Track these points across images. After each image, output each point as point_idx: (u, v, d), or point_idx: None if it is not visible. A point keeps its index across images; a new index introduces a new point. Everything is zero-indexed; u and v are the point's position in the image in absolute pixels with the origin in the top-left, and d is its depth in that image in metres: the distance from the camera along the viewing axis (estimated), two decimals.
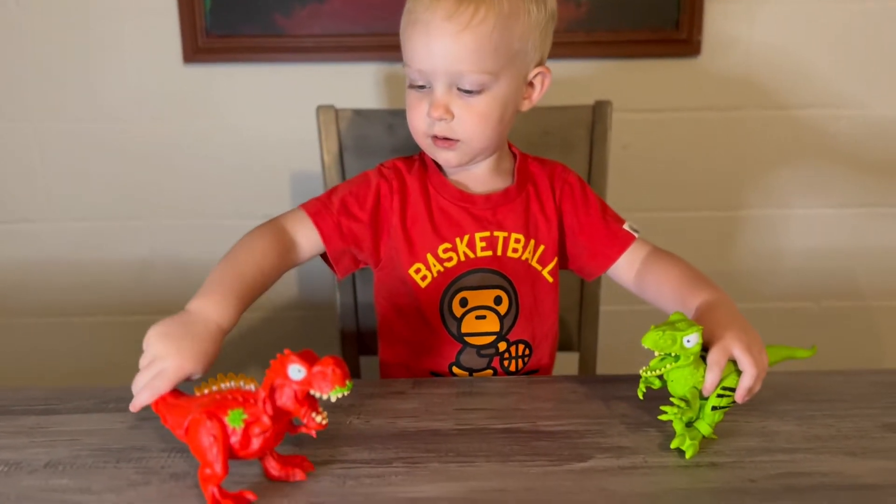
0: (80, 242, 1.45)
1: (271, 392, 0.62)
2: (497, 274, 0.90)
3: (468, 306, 0.90)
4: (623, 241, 0.91)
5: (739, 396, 0.71)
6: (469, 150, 0.86)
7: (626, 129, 1.40)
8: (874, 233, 1.49)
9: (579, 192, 0.93)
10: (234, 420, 0.62)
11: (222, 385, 0.64)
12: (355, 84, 1.35)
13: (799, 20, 1.35)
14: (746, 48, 1.37)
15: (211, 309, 0.74)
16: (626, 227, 0.91)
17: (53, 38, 1.34)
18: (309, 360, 0.60)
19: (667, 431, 0.74)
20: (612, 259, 0.91)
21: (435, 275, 0.89)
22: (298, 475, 0.67)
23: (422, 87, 0.84)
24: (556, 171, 0.95)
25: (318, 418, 0.62)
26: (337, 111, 1.15)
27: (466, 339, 0.91)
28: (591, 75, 1.38)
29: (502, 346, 0.92)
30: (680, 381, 0.71)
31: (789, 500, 0.65)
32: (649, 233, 1.43)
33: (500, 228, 0.89)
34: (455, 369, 0.92)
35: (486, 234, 0.89)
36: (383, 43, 1.32)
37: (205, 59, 1.37)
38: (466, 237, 0.89)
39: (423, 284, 0.89)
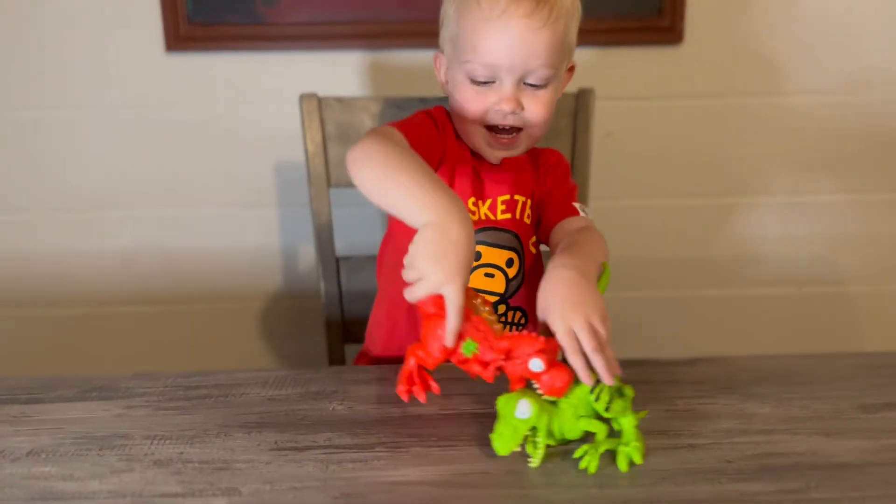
0: (62, 233, 1.44)
1: (506, 356, 0.67)
2: (515, 236, 0.92)
3: (480, 261, 0.91)
4: (565, 213, 0.92)
5: (588, 349, 0.68)
6: (530, 140, 0.91)
7: (610, 117, 1.41)
8: (855, 219, 1.50)
9: (564, 173, 0.98)
10: (466, 349, 0.67)
11: (483, 309, 0.71)
12: (339, 72, 1.35)
13: (781, 8, 1.36)
14: (729, 36, 1.38)
15: (444, 199, 0.70)
16: (575, 204, 0.93)
17: (33, 25, 1.33)
18: (551, 359, 0.66)
19: (645, 404, 0.75)
20: (550, 225, 0.92)
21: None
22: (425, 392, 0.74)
23: (484, 82, 0.86)
24: (552, 152, 1.00)
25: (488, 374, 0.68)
26: (320, 99, 1.15)
27: None
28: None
29: (501, 308, 0.93)
30: (568, 426, 0.68)
31: (765, 480, 0.66)
32: (632, 220, 1.43)
33: (520, 193, 0.93)
34: None
35: (507, 196, 0.92)
36: (367, 31, 1.32)
37: (187, 48, 1.36)
38: (489, 201, 0.92)
39: None
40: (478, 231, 0.90)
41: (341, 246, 1.34)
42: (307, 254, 1.49)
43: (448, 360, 0.70)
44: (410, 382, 0.74)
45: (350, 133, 1.16)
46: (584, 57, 1.37)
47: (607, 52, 1.39)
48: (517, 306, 0.94)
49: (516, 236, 0.93)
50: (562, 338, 0.68)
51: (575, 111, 1.17)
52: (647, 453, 0.69)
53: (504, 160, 0.93)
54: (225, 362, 1.52)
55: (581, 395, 0.68)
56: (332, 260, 1.18)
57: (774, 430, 0.74)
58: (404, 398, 0.74)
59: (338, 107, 1.16)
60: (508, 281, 0.92)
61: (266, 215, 1.47)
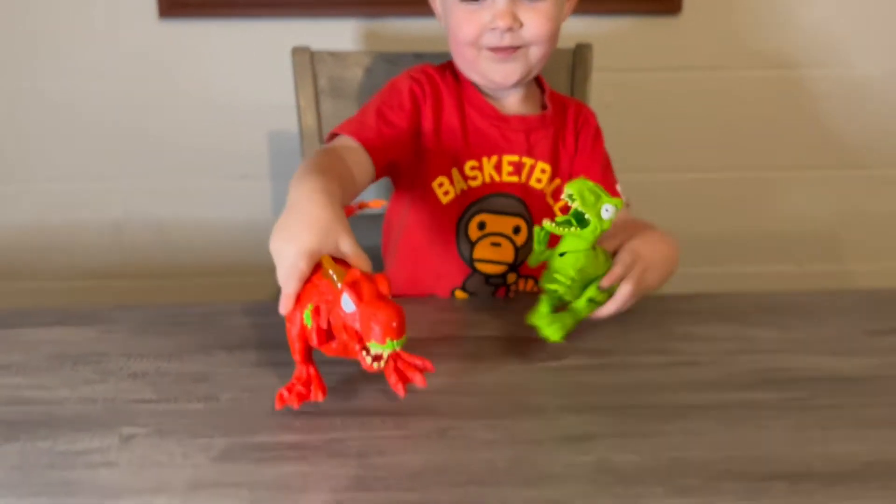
0: (51, 204, 1.42)
1: (332, 311, 0.55)
2: (520, 202, 0.87)
3: (486, 230, 0.86)
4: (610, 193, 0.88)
5: (607, 280, 0.68)
6: (532, 58, 0.83)
7: (608, 87, 1.39)
8: (857, 195, 1.48)
9: (592, 138, 0.91)
10: (307, 317, 0.57)
11: (331, 272, 0.56)
12: (336, 40, 1.33)
13: None
14: (728, 7, 1.36)
15: (305, 187, 0.64)
16: (618, 188, 0.89)
17: None
18: (367, 296, 0.54)
19: (641, 332, 0.72)
20: None
21: (458, 192, 0.86)
22: (417, 380, 0.60)
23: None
24: (582, 108, 0.93)
25: (368, 359, 0.55)
26: (312, 53, 1.13)
27: (477, 264, 0.87)
28: (572, 32, 1.37)
29: (511, 277, 0.88)
30: (571, 259, 0.65)
31: (768, 391, 0.63)
32: (631, 193, 1.41)
33: (530, 155, 0.87)
34: (458, 293, 0.89)
35: (515, 158, 0.87)
36: None
37: (180, 14, 1.35)
38: (494, 158, 0.86)
39: (444, 200, 0.86)
40: (483, 197, 0.86)
41: None
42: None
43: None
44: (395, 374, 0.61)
45: (343, 87, 1.14)
46: (581, 26, 1.35)
47: (605, 21, 1.38)
48: (528, 275, 0.89)
49: (522, 202, 0.87)
50: (625, 257, 0.69)
51: (573, 66, 1.15)
52: (644, 369, 0.67)
53: (526, 117, 0.87)
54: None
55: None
56: None
57: (778, 350, 0.71)
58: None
59: (331, 61, 1.14)
60: (517, 249, 0.87)
61: (259, 187, 1.45)
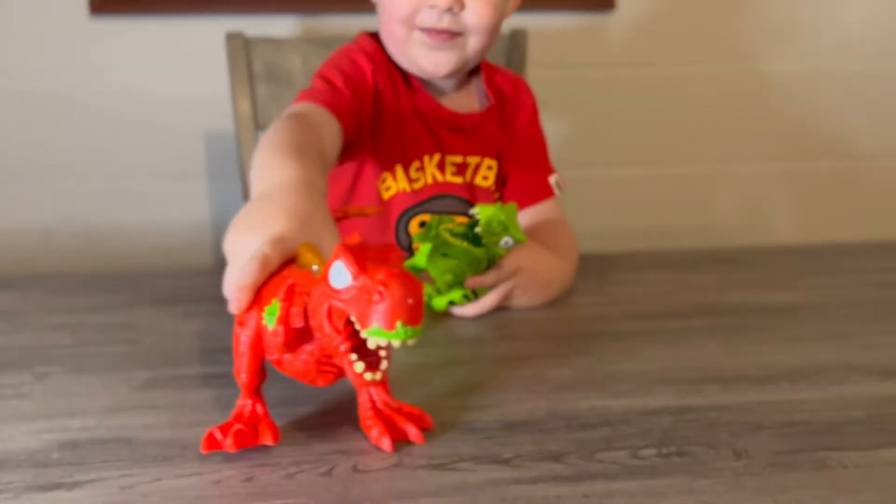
0: None
1: (312, 297, 0.40)
2: (466, 203, 0.80)
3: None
4: (539, 194, 0.82)
5: (473, 283, 0.65)
6: (471, 49, 0.75)
7: (544, 86, 1.40)
8: (791, 186, 1.52)
9: (528, 119, 0.85)
10: (270, 315, 0.41)
11: (312, 263, 0.42)
12: (271, 35, 1.33)
13: None
14: (661, 3, 1.40)
15: (279, 176, 0.51)
16: (551, 179, 0.83)
17: None
18: (370, 263, 0.38)
19: (578, 280, 0.72)
20: (520, 206, 0.80)
21: (399, 190, 0.79)
22: (412, 434, 0.42)
23: None
24: (519, 88, 0.85)
25: (359, 366, 0.40)
26: (247, 39, 1.12)
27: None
28: (506, 27, 1.39)
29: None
30: (452, 264, 0.63)
31: (702, 319, 0.63)
32: (569, 189, 1.42)
33: (474, 153, 0.80)
34: None
35: (459, 158, 0.79)
36: None
37: (112, 10, 1.32)
38: (437, 157, 0.78)
39: (385, 195, 0.79)
40: (427, 199, 0.79)
41: None
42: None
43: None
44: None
45: (279, 73, 1.13)
46: (514, 21, 1.37)
47: (538, 16, 1.40)
48: None
49: (467, 203, 0.80)
50: (504, 268, 0.66)
51: (508, 52, 1.17)
52: (580, 307, 0.67)
53: (469, 116, 0.80)
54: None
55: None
56: None
57: (712, 289, 0.72)
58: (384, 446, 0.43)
59: (266, 46, 1.13)
60: None
61: (195, 188, 1.42)
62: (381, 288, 0.36)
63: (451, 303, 0.65)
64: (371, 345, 0.38)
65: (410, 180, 0.79)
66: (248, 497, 0.38)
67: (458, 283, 0.64)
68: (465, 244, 0.62)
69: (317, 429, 0.45)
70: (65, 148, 1.36)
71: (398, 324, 0.36)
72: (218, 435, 0.41)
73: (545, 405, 0.47)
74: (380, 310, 0.36)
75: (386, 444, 0.41)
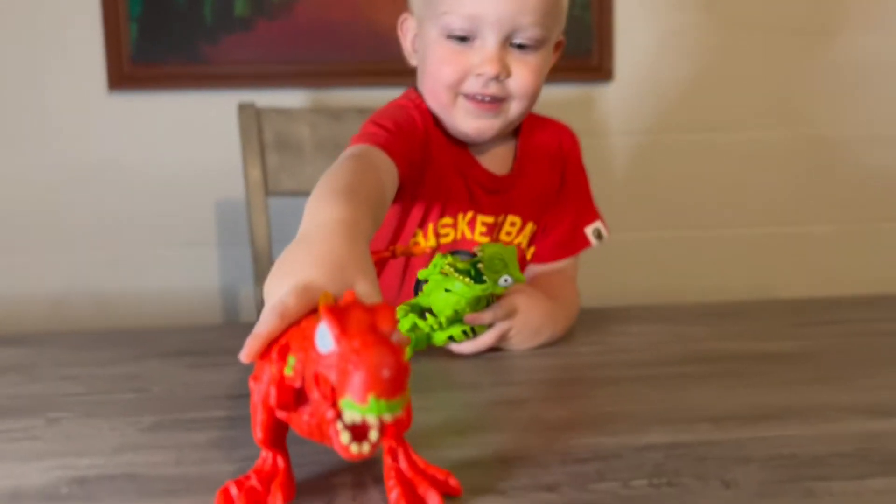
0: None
1: (305, 359, 0.37)
2: None
3: None
4: (572, 247, 0.83)
5: (472, 319, 0.67)
6: (513, 113, 0.75)
7: None
8: (788, 250, 1.54)
9: (573, 168, 0.84)
10: (289, 369, 0.38)
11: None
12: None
13: (703, 50, 1.45)
14: (656, 74, 1.45)
15: (323, 215, 0.50)
16: (588, 229, 0.83)
17: None
18: (353, 326, 0.34)
19: (577, 331, 0.74)
20: (552, 259, 0.83)
21: (425, 248, 0.77)
22: (433, 500, 0.40)
23: (463, 38, 0.72)
24: (564, 139, 0.85)
25: (345, 437, 0.35)
26: (258, 109, 1.17)
27: None
28: None
29: None
30: (453, 300, 0.65)
31: (697, 366, 0.64)
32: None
33: (507, 211, 0.81)
34: None
35: (491, 219, 0.80)
36: (308, 70, 1.36)
37: (130, 87, 1.38)
38: (470, 214, 0.79)
39: (416, 251, 0.76)
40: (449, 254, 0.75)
41: None
42: (249, 295, 1.46)
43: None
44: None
45: (289, 141, 1.18)
46: None
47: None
48: None
49: None
50: (501, 307, 0.68)
51: None
52: (578, 356, 0.68)
53: (505, 177, 0.80)
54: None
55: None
56: (269, 270, 1.16)
57: (708, 339, 0.73)
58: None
59: (276, 117, 1.18)
60: None
61: (205, 255, 1.45)
62: (355, 357, 0.33)
63: (451, 338, 0.67)
64: (346, 419, 0.34)
65: (438, 236, 0.79)
66: None
67: (457, 319, 0.66)
68: (466, 280, 0.63)
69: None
70: (80, 217, 1.40)
71: (370, 398, 0.32)
72: (233, 490, 0.40)
73: (541, 443, 0.48)
74: (354, 381, 0.33)
75: None
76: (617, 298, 1.45)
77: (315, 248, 0.45)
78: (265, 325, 0.40)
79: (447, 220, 0.79)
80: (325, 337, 0.35)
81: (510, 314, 0.68)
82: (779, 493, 0.41)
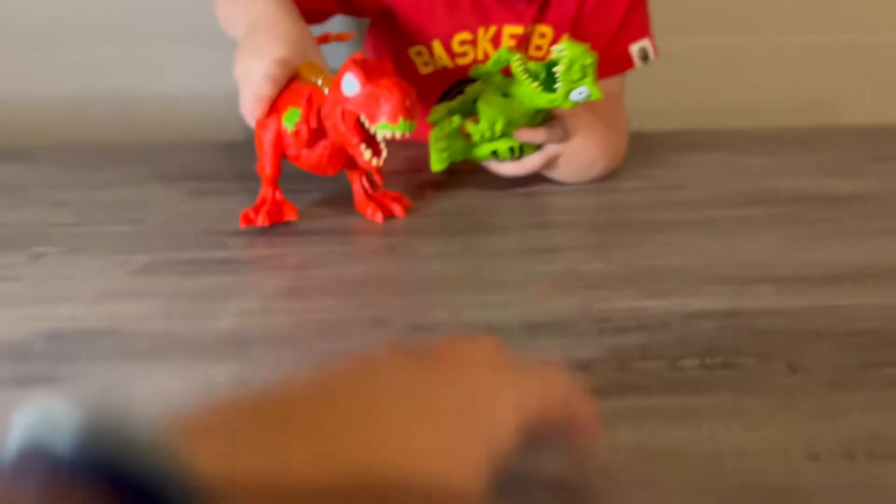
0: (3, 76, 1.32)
1: (326, 103, 0.50)
2: None
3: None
4: (614, 66, 0.71)
5: (523, 135, 0.58)
6: None
7: None
8: (860, 61, 1.39)
9: None
10: (289, 120, 0.51)
11: (313, 78, 0.51)
12: None
13: None
14: None
15: (261, 7, 0.58)
16: (633, 48, 0.72)
17: None
18: (373, 75, 0.47)
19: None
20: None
21: (439, 67, 0.71)
22: (397, 210, 0.55)
23: None
24: None
25: (367, 154, 0.49)
26: None
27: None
28: None
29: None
30: (507, 107, 0.56)
31: (757, 208, 0.57)
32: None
33: (537, 20, 0.70)
34: None
35: (520, 29, 0.69)
36: None
37: None
38: (493, 29, 0.69)
39: (422, 70, 0.71)
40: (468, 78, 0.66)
41: None
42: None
43: (300, 166, 0.54)
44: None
45: None
46: None
47: None
48: None
49: None
50: (559, 128, 0.58)
51: None
52: (620, 192, 0.61)
53: None
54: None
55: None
56: None
57: (770, 174, 0.64)
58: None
59: None
60: None
61: (228, 57, 1.35)
62: (386, 92, 0.46)
63: (494, 153, 0.58)
64: (379, 137, 0.47)
65: (454, 55, 0.70)
66: None
67: (506, 132, 0.57)
68: (535, 84, 0.54)
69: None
70: (97, 8, 1.30)
71: (400, 119, 0.46)
72: (251, 214, 0.52)
73: (575, 305, 0.42)
74: (386, 109, 0.46)
75: (379, 217, 0.54)
76: (658, 115, 1.34)
77: (274, 32, 0.54)
78: (265, 89, 0.51)
79: (465, 35, 0.69)
80: (351, 83, 0.47)
81: (566, 138, 0.59)
82: (854, 382, 0.35)
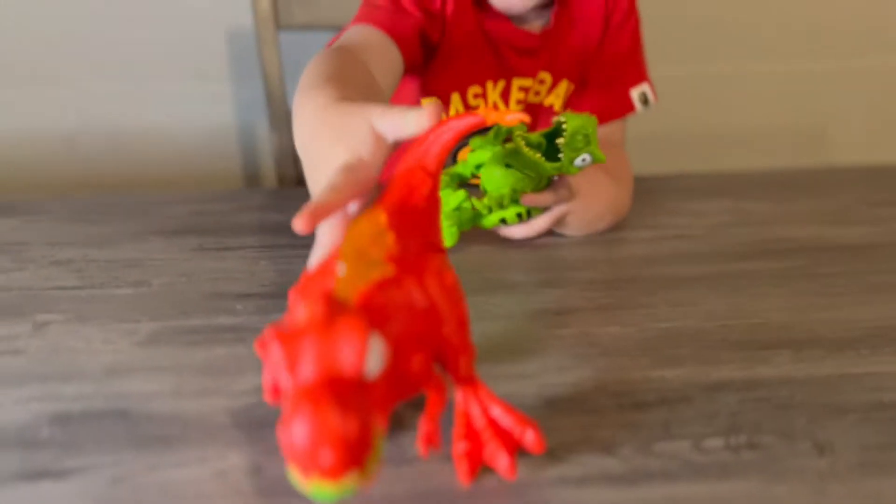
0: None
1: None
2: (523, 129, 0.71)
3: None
4: (615, 111, 0.72)
5: (529, 200, 0.57)
6: None
7: None
8: (852, 90, 1.40)
9: (619, 23, 0.72)
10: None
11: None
12: None
13: None
14: None
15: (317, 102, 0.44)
16: (634, 92, 0.72)
17: None
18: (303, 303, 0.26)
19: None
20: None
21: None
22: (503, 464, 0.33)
23: None
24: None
25: None
26: None
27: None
28: None
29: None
30: (512, 179, 0.56)
31: (765, 261, 0.56)
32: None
33: (547, 69, 0.70)
34: None
35: (528, 82, 0.70)
36: None
37: None
38: (501, 83, 0.70)
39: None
40: (482, 130, 0.69)
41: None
42: (265, 136, 1.37)
43: None
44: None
45: None
46: None
47: None
48: None
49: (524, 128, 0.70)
50: (564, 189, 0.58)
51: None
52: (628, 244, 0.60)
53: (545, 31, 0.69)
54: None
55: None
56: (283, 110, 1.07)
57: (774, 222, 0.64)
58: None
59: None
60: None
61: (218, 90, 1.35)
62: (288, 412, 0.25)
63: (503, 221, 0.57)
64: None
65: (467, 107, 0.70)
66: (256, 494, 0.33)
67: (514, 200, 0.56)
68: (538, 156, 0.54)
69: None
70: (85, 47, 1.30)
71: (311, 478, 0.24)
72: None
73: (592, 376, 0.42)
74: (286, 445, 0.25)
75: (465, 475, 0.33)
76: (652, 138, 1.35)
77: (326, 130, 0.40)
78: (328, 194, 0.34)
79: (476, 88, 0.69)
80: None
81: (572, 196, 0.58)
82: (884, 464, 0.34)
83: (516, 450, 0.33)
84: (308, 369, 0.25)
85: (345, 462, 0.24)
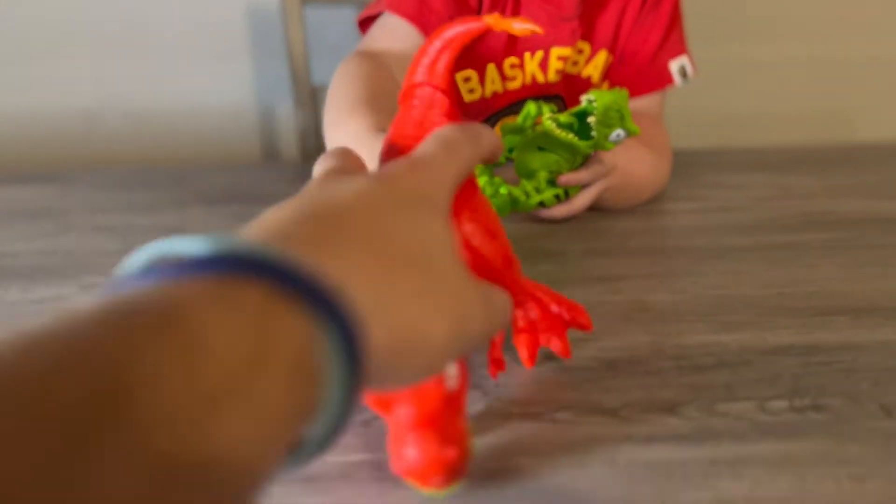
0: (14, 90, 1.31)
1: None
2: (559, 100, 0.71)
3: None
4: (654, 82, 0.71)
5: (567, 179, 0.57)
6: None
7: None
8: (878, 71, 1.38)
9: (668, 8, 0.71)
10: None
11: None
12: None
13: None
14: None
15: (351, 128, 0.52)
16: (673, 65, 0.71)
17: None
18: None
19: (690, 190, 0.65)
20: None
21: (488, 95, 0.69)
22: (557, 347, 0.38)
23: None
24: None
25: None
26: None
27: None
28: None
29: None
30: (549, 160, 0.56)
31: (811, 233, 0.56)
32: None
33: (585, 38, 0.69)
34: None
35: (567, 51, 0.68)
36: None
37: None
38: (540, 54, 0.68)
39: (467, 98, 0.69)
40: (519, 101, 0.68)
41: (320, 75, 1.21)
42: (287, 114, 1.36)
43: None
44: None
45: None
46: None
47: None
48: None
49: (561, 99, 0.70)
50: (602, 165, 0.57)
51: None
52: (671, 215, 0.60)
53: (573, 3, 0.67)
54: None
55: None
56: (307, 87, 1.06)
57: (818, 195, 0.64)
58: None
59: None
60: None
61: (239, 68, 1.34)
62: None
63: (542, 203, 0.57)
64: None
65: (505, 79, 0.69)
66: None
67: (550, 182, 0.56)
68: (571, 136, 0.53)
69: None
70: (104, 24, 1.29)
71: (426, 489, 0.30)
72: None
73: (649, 340, 0.41)
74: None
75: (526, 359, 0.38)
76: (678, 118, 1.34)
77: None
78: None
79: (513, 59, 0.68)
80: None
81: (610, 171, 0.58)
82: None
83: (566, 330, 0.38)
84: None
85: (449, 479, 0.29)
